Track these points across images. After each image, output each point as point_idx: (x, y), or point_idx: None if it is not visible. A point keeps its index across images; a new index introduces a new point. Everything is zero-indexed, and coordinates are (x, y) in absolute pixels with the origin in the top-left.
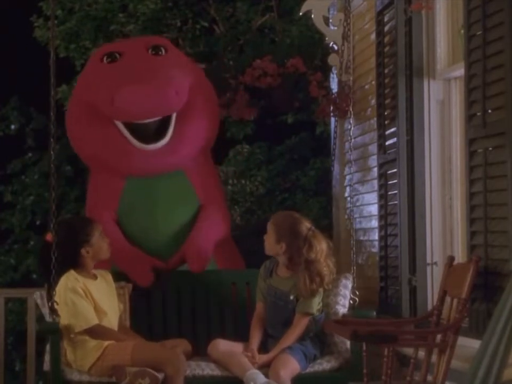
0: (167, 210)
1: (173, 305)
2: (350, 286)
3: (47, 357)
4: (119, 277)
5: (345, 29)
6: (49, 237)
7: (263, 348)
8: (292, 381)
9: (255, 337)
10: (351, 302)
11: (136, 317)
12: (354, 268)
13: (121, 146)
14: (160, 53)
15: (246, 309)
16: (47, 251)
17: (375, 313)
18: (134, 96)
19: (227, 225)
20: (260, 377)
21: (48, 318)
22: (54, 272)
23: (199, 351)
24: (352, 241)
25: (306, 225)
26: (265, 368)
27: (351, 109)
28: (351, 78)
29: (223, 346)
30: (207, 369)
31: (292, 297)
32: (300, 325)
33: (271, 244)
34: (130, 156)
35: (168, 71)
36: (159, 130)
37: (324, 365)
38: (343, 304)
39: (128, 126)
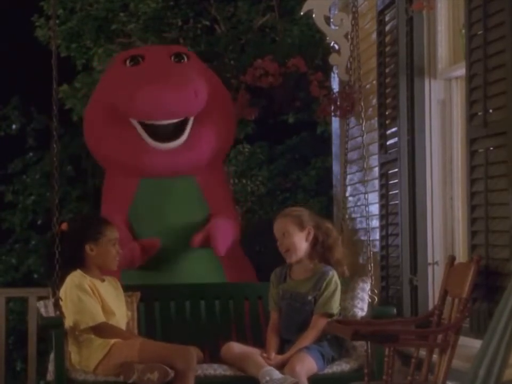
0: (177, 213)
1: (181, 313)
2: (367, 288)
3: (50, 367)
4: (126, 287)
5: (354, 28)
6: (64, 226)
7: (280, 352)
8: (309, 381)
9: (272, 345)
10: (370, 300)
11: (144, 328)
12: (371, 265)
13: (137, 144)
14: (182, 60)
15: (259, 323)
16: (59, 240)
17: (395, 310)
18: (154, 95)
19: (238, 231)
20: (275, 373)
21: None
22: (58, 263)
23: (209, 360)
24: (367, 240)
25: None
26: (280, 368)
27: (361, 105)
28: (359, 77)
29: (237, 348)
30: (219, 369)
31: (310, 298)
32: (317, 325)
33: (296, 236)
34: (145, 154)
35: (189, 75)
36: (175, 132)
37: (343, 366)
38: (361, 307)
39: (145, 126)
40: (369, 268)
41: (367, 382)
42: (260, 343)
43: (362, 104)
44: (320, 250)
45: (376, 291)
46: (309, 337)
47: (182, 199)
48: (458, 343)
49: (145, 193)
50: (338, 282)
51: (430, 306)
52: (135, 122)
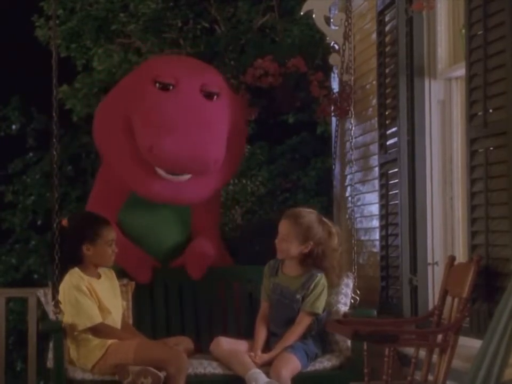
0: (168, 214)
1: (175, 302)
2: (351, 284)
3: (50, 354)
4: (122, 274)
5: (347, 28)
6: (65, 222)
7: (266, 346)
8: (292, 380)
9: (260, 337)
10: (352, 301)
11: (139, 315)
12: (355, 267)
13: (149, 171)
14: (212, 97)
15: (249, 306)
16: (61, 235)
17: (375, 312)
18: (173, 151)
19: (221, 251)
20: (262, 377)
21: (51, 316)
22: (57, 260)
23: (201, 349)
24: (353, 241)
25: (320, 217)
26: (267, 366)
27: (351, 109)
28: (352, 78)
29: (225, 344)
30: (209, 367)
31: (298, 296)
32: (302, 323)
33: (294, 246)
34: (155, 182)
35: (214, 127)
36: None
37: (325, 363)
38: (344, 302)
39: None
40: (353, 270)
41: (367, 382)
42: (249, 326)
43: (352, 97)
44: (310, 262)
45: (358, 291)
46: (294, 333)
47: (172, 221)
48: (458, 343)
49: (133, 206)
50: (326, 284)
51: (430, 307)
52: None
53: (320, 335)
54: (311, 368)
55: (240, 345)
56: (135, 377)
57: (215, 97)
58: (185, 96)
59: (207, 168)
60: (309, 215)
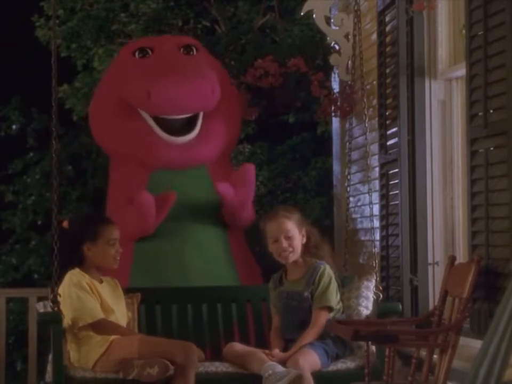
0: (190, 203)
1: (182, 315)
2: (372, 287)
3: (49, 367)
4: (127, 290)
5: (356, 26)
6: (65, 223)
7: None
8: (313, 376)
9: (275, 345)
10: (375, 297)
11: (144, 327)
12: (376, 261)
13: (149, 138)
14: (191, 52)
15: (263, 325)
16: (61, 236)
17: (400, 306)
18: (171, 90)
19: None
20: (278, 366)
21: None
22: (56, 259)
23: (212, 358)
24: (373, 237)
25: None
26: (283, 365)
27: (365, 102)
28: (363, 80)
29: (239, 347)
30: (221, 367)
31: (306, 294)
32: (318, 321)
33: (297, 240)
34: (158, 147)
35: (202, 69)
36: (187, 126)
37: (348, 363)
38: (365, 305)
39: (157, 120)
40: (374, 265)
41: (367, 382)
42: (263, 346)
43: (365, 100)
44: (313, 250)
45: (381, 288)
46: (311, 333)
47: (194, 189)
48: (458, 343)
49: (157, 186)
50: (332, 273)
51: (431, 307)
52: (145, 115)
53: (341, 337)
54: (333, 367)
55: (254, 348)
56: (140, 370)
57: (194, 50)
58: (166, 53)
59: (207, 98)
60: (282, 209)
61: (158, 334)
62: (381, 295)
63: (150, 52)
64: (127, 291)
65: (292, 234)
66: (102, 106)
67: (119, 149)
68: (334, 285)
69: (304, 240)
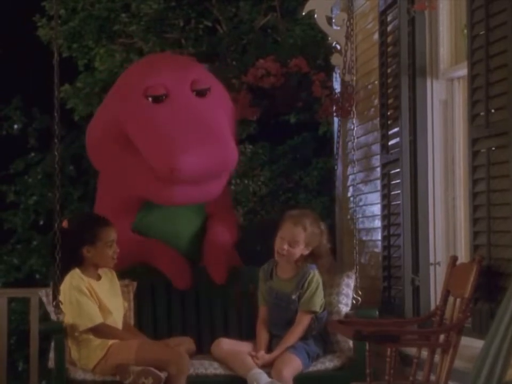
0: (179, 232)
1: (177, 303)
2: (352, 284)
3: (51, 354)
4: (123, 275)
5: (348, 29)
6: (65, 223)
7: (268, 348)
8: (294, 380)
9: (262, 339)
10: (354, 301)
11: (141, 315)
12: (357, 267)
13: (152, 177)
14: (204, 95)
15: (250, 307)
16: (61, 237)
17: (377, 312)
18: (194, 167)
19: (236, 230)
20: (263, 377)
21: (53, 316)
22: (58, 261)
23: (202, 349)
24: (354, 241)
25: (315, 217)
26: (268, 367)
27: (354, 109)
28: (354, 78)
29: (226, 345)
30: (210, 368)
31: (294, 297)
32: (302, 323)
33: (298, 250)
34: (164, 191)
35: (219, 121)
36: None
37: (327, 364)
38: (345, 303)
39: None
40: (355, 270)
41: (369, 382)
42: (251, 336)
43: (354, 97)
44: (309, 260)
45: (360, 292)
46: (294, 333)
47: (188, 216)
48: (460, 343)
49: (147, 214)
50: (320, 280)
51: (432, 307)
52: None
53: (321, 335)
54: (312, 368)
55: (243, 347)
56: (136, 378)
57: (207, 93)
58: (181, 104)
59: (229, 170)
60: (310, 218)
61: (153, 323)
62: (360, 300)
63: (163, 97)
64: (123, 275)
65: (297, 245)
66: (103, 135)
67: (124, 182)
68: (320, 291)
69: (306, 252)
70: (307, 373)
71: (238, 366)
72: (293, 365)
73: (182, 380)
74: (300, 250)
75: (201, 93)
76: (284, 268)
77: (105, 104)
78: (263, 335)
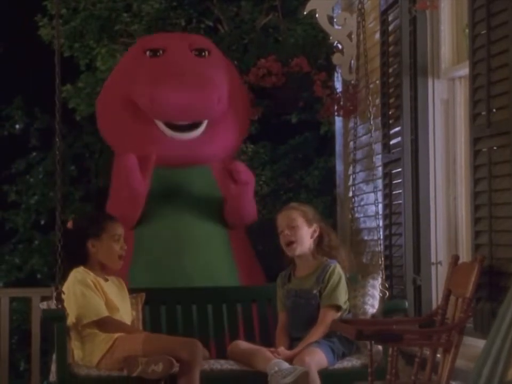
0: (191, 202)
1: (189, 321)
2: (377, 285)
3: (53, 367)
4: (132, 290)
5: (361, 28)
6: (70, 224)
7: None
8: (319, 374)
9: (281, 343)
10: (381, 295)
11: (148, 327)
12: (383, 259)
13: (154, 134)
14: (203, 54)
15: (268, 326)
16: (66, 235)
17: (406, 303)
18: (173, 99)
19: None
20: (284, 364)
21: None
22: (60, 258)
23: (217, 356)
24: (379, 235)
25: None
26: (290, 363)
27: (369, 100)
28: (365, 79)
29: (244, 345)
30: (226, 364)
31: (314, 292)
32: (326, 319)
33: (303, 230)
34: (162, 143)
35: (212, 74)
36: (192, 125)
37: (354, 361)
38: (371, 304)
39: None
40: (380, 262)
41: (370, 382)
42: (268, 345)
43: (370, 98)
44: (326, 249)
45: (387, 285)
46: (317, 332)
47: (197, 188)
48: (462, 342)
49: (159, 183)
50: (342, 273)
51: (434, 306)
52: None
53: (346, 337)
54: (339, 365)
55: (260, 347)
56: (145, 367)
57: (206, 53)
58: (177, 54)
59: (212, 108)
60: (303, 204)
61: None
62: (387, 293)
63: (161, 52)
64: (132, 291)
65: (296, 224)
66: (108, 99)
67: (122, 142)
68: (343, 285)
69: (315, 235)
70: (333, 369)
71: (257, 361)
72: (317, 356)
73: (195, 368)
74: (305, 232)
75: (200, 53)
76: (302, 267)
77: (111, 75)
78: (282, 339)
